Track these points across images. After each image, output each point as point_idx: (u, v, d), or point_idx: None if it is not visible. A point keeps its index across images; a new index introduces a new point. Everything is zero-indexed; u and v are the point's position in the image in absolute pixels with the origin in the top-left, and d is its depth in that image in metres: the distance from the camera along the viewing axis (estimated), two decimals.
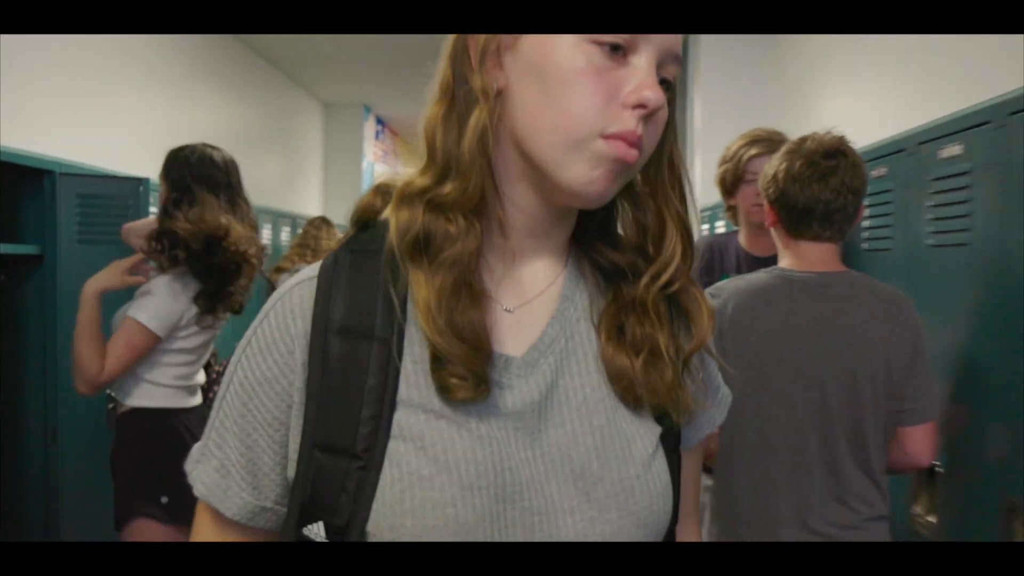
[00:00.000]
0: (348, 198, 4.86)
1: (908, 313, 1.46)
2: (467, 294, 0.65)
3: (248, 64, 4.84)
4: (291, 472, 0.67)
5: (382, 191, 0.73)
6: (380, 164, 7.14)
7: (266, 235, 4.09)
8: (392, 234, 0.66)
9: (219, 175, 1.97)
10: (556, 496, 0.65)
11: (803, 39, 3.26)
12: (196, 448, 0.72)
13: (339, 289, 0.67)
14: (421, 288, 0.65)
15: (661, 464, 0.70)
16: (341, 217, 4.90)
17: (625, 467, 0.69)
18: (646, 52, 0.65)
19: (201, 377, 2.05)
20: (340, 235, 4.33)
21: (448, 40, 0.70)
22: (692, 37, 3.90)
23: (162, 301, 1.88)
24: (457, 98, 0.67)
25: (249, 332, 0.70)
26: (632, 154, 0.64)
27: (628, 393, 0.70)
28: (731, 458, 1.52)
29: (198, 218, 1.86)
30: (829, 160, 1.46)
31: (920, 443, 1.46)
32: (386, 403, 0.64)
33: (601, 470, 0.68)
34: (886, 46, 2.47)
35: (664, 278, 0.71)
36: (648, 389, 0.69)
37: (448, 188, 0.66)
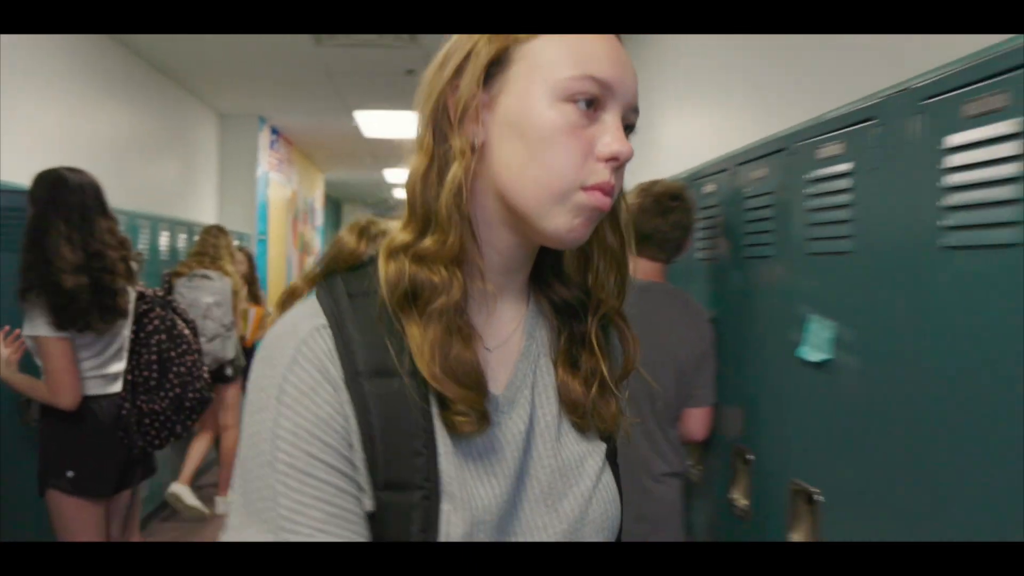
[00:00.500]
0: (243, 206, 5.11)
1: (703, 320, 1.95)
2: (458, 339, 0.67)
3: (142, 76, 4.97)
4: (368, 506, 0.66)
5: (359, 231, 0.76)
6: (275, 173, 7.29)
7: (163, 241, 4.26)
8: (383, 287, 0.69)
9: (73, 199, 2.14)
10: (530, 517, 0.71)
11: (655, 45, 3.63)
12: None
13: (352, 334, 0.67)
14: (415, 338, 0.67)
15: (608, 476, 0.78)
16: (236, 224, 5.12)
17: (582, 481, 0.75)
18: (613, 108, 0.70)
19: (118, 367, 2.29)
20: (235, 242, 4.52)
21: (427, 97, 0.73)
22: None
23: (46, 310, 2.10)
24: (436, 155, 0.70)
25: (272, 390, 0.65)
26: (607, 202, 0.69)
27: (583, 421, 0.77)
28: None
29: (37, 248, 2.07)
30: (671, 201, 1.92)
31: (696, 422, 1.96)
32: (428, 433, 0.66)
33: (564, 487, 0.74)
34: (727, 60, 2.68)
35: (602, 311, 0.78)
36: (598, 417, 0.77)
37: (428, 242, 0.68)
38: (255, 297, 4.81)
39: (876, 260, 1.27)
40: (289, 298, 0.74)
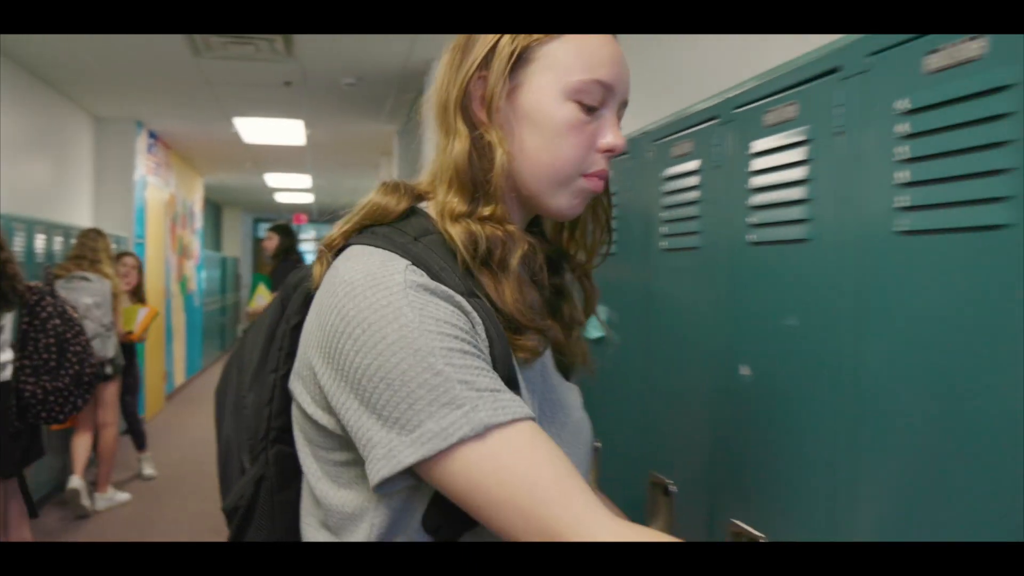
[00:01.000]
0: (120, 209, 5.24)
1: None
2: (526, 282, 0.79)
3: (11, 78, 4.99)
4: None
5: (395, 188, 0.82)
6: (152, 176, 7.31)
7: (39, 244, 4.34)
8: (457, 241, 0.76)
9: None
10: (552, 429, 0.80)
11: None
12: (446, 419, 0.66)
13: (435, 266, 0.74)
14: (490, 286, 0.75)
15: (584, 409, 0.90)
16: (113, 227, 5.22)
17: (576, 411, 0.87)
18: (611, 105, 0.80)
19: (5, 356, 2.50)
20: (113, 245, 4.62)
21: (449, 86, 0.80)
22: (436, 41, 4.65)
23: None
24: (474, 139, 0.78)
25: (389, 307, 0.68)
26: (602, 185, 0.82)
27: (566, 359, 0.90)
28: None
29: None
30: None
31: None
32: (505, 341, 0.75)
33: (565, 416, 0.84)
34: None
35: (580, 269, 0.90)
36: (579, 358, 0.91)
37: (487, 210, 0.77)
38: (142, 299, 4.94)
39: (713, 253, 1.32)
40: (328, 248, 0.81)
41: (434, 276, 0.72)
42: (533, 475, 0.66)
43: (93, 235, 4.42)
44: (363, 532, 0.75)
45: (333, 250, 0.80)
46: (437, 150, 0.82)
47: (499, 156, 0.77)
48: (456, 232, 0.76)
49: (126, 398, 4.81)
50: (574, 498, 0.66)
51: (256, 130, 7.02)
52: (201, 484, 5.01)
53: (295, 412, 0.81)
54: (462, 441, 0.66)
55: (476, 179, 0.78)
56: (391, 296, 0.69)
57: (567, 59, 0.78)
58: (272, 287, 5.18)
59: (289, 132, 7.06)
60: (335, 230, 0.82)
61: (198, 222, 10.02)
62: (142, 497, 4.80)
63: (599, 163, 0.80)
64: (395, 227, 0.78)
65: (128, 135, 6.69)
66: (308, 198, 12.73)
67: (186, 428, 6.82)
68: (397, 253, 0.73)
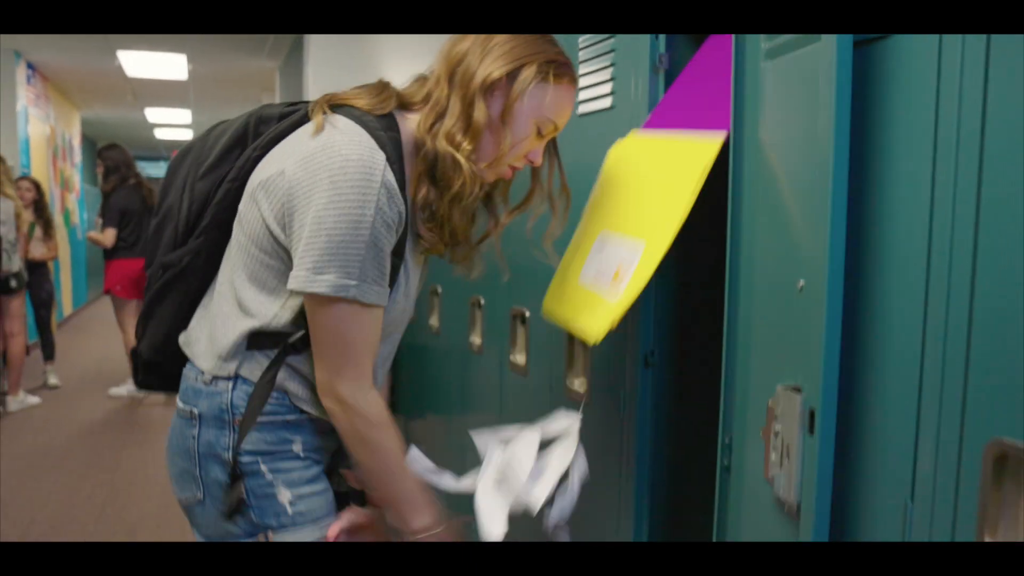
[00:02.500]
0: (5, 142, 5.63)
1: None
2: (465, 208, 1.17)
3: None
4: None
5: (383, 88, 1.16)
6: (33, 108, 7.45)
7: None
8: (442, 158, 1.10)
9: None
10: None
11: (384, 38, 4.62)
12: (342, 281, 1.03)
13: (397, 171, 1.08)
14: (444, 200, 1.13)
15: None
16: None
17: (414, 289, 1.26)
18: (549, 134, 1.19)
19: None
20: (8, 168, 4.96)
21: (477, 72, 1.10)
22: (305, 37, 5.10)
23: None
24: (491, 111, 1.12)
25: (370, 196, 1.03)
26: (511, 174, 1.21)
27: (449, 262, 1.29)
28: None
29: None
30: None
31: None
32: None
33: (410, 292, 1.23)
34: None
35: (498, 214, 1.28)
36: (462, 268, 1.30)
37: (472, 153, 1.12)
38: (47, 220, 5.29)
39: None
40: (327, 104, 1.12)
41: (391, 165, 1.06)
42: (354, 339, 1.10)
43: None
44: (264, 318, 1.12)
45: (328, 107, 1.12)
46: (438, 92, 1.13)
47: (504, 136, 1.14)
48: (446, 151, 1.09)
49: (41, 312, 5.23)
50: (362, 366, 1.11)
51: (139, 63, 7.25)
52: (99, 393, 5.53)
53: (250, 216, 1.12)
54: (341, 298, 1.05)
55: (485, 138, 1.13)
56: (369, 188, 1.03)
57: (549, 101, 1.13)
58: (104, 212, 5.06)
59: (172, 66, 7.34)
60: (338, 96, 1.14)
61: (77, 156, 10.06)
62: (49, 402, 5.27)
63: (520, 162, 1.19)
64: (377, 118, 1.10)
65: (7, 67, 6.81)
66: (187, 134, 12.79)
67: (80, 351, 7.21)
68: (377, 144, 1.06)
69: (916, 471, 0.71)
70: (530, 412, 1.38)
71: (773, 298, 0.93)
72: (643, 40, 1.28)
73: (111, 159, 5.04)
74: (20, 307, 4.96)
